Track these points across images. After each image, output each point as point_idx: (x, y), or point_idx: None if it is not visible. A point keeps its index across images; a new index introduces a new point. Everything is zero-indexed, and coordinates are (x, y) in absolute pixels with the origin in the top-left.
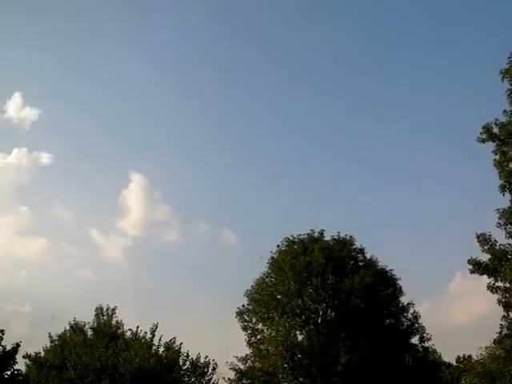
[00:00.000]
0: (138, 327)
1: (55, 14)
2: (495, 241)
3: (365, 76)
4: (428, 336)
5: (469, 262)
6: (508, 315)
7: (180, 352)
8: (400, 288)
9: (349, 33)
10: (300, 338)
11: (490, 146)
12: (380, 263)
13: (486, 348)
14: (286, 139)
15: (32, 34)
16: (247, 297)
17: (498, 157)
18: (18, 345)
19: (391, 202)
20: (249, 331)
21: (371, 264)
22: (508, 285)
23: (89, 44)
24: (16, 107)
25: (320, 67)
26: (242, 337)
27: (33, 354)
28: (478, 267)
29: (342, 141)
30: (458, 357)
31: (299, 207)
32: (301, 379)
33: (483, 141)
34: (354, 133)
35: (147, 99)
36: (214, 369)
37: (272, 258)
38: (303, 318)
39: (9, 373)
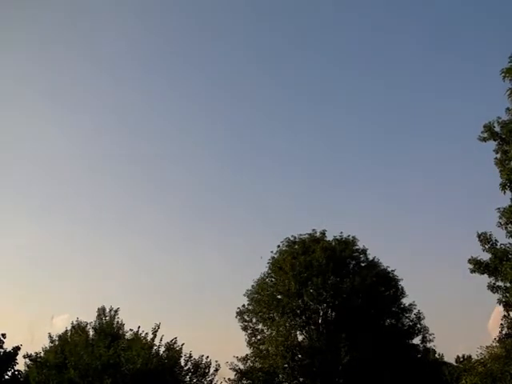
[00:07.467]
0: (139, 327)
1: None
2: (496, 240)
3: (364, 77)
4: (431, 337)
5: (469, 261)
6: (508, 315)
7: (181, 352)
8: (402, 289)
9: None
10: (300, 338)
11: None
12: (382, 264)
13: (487, 347)
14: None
15: None
16: (247, 297)
17: (499, 155)
18: (18, 347)
19: None
20: (249, 331)
21: (373, 265)
22: (508, 284)
23: None
24: None
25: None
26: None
27: (33, 354)
28: (478, 266)
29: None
30: (458, 357)
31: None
32: (301, 379)
33: (484, 140)
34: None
35: None
36: (216, 370)
37: (272, 257)
38: (304, 318)
39: (9, 373)
